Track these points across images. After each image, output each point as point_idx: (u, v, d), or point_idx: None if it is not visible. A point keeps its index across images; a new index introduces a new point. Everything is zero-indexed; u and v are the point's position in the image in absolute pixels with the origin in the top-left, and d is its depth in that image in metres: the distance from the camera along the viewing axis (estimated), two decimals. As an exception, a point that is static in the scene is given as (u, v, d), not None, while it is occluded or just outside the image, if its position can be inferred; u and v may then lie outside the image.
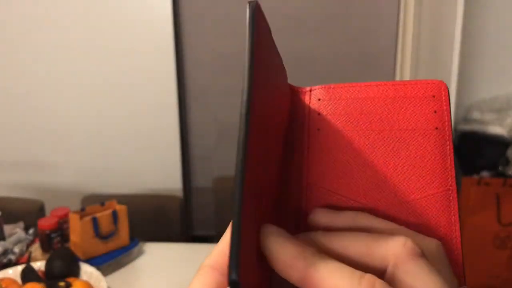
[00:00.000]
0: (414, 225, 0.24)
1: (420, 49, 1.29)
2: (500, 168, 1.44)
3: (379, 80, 0.28)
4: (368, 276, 0.17)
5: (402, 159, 0.26)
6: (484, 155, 1.45)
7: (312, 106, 0.29)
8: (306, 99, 0.29)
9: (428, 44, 1.30)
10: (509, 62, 1.45)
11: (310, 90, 0.29)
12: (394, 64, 1.35)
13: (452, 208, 0.24)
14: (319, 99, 0.29)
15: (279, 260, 0.19)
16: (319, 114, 0.28)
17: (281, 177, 0.26)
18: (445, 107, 0.26)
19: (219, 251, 0.20)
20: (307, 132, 0.28)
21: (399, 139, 0.26)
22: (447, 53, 1.32)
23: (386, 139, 0.27)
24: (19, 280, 0.77)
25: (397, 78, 1.31)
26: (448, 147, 0.25)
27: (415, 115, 0.27)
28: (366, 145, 0.27)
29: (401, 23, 1.29)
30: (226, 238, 0.21)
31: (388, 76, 1.35)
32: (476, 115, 1.50)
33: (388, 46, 1.35)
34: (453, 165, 0.25)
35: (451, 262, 0.22)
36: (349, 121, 0.28)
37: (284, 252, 0.19)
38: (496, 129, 1.44)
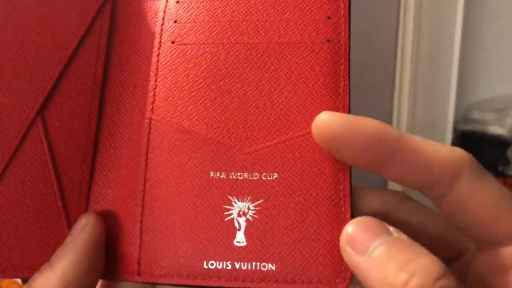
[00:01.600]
0: (290, 175, 0.18)
1: (420, 50, 1.29)
2: (500, 168, 1.44)
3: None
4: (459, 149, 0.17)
5: (280, 83, 0.19)
6: (484, 155, 1.45)
7: (168, 11, 0.22)
8: (161, 3, 0.22)
9: (428, 45, 1.30)
10: (509, 62, 1.45)
11: None
12: (394, 64, 1.35)
13: None
14: (177, 2, 0.22)
15: (368, 134, 0.18)
16: (175, 22, 0.21)
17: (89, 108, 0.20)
18: (342, 12, 0.20)
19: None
20: (158, 45, 0.21)
21: (278, 56, 0.20)
22: (447, 53, 1.32)
23: (262, 55, 0.20)
24: (19, 280, 0.77)
25: (397, 78, 1.31)
26: (342, 66, 0.19)
27: (301, 23, 0.20)
28: (235, 63, 0.20)
29: (401, 23, 1.29)
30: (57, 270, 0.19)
31: (388, 76, 1.35)
32: (476, 115, 1.50)
33: (388, 46, 1.35)
34: (347, 91, 0.19)
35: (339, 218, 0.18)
36: (213, 30, 0.21)
37: (372, 125, 0.18)
38: (496, 129, 1.45)
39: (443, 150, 0.18)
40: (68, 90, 0.20)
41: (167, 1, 0.22)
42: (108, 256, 0.20)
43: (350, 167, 0.19)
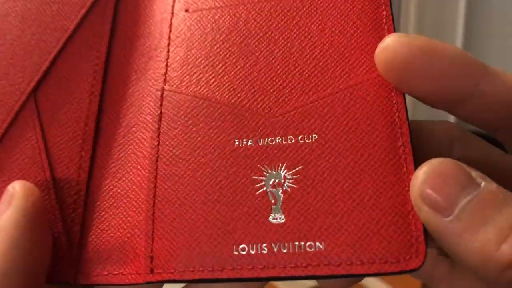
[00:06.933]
0: (334, 134, 0.15)
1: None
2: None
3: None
4: None
5: (312, 37, 0.17)
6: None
7: None
8: None
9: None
10: (511, 62, 1.44)
11: None
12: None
13: (392, 103, 0.15)
14: None
15: (451, 59, 0.14)
16: None
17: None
18: None
19: None
20: (170, 16, 0.19)
21: (308, 9, 0.17)
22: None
23: (289, 11, 0.18)
24: None
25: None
26: (384, 12, 0.17)
27: None
28: (258, 22, 0.18)
29: (401, 24, 1.29)
30: None
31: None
32: (477, 114, 1.50)
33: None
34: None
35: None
36: None
37: (454, 49, 0.14)
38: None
39: None
40: (66, 71, 0.18)
41: None
42: (99, 257, 0.16)
43: (408, 119, 0.15)
